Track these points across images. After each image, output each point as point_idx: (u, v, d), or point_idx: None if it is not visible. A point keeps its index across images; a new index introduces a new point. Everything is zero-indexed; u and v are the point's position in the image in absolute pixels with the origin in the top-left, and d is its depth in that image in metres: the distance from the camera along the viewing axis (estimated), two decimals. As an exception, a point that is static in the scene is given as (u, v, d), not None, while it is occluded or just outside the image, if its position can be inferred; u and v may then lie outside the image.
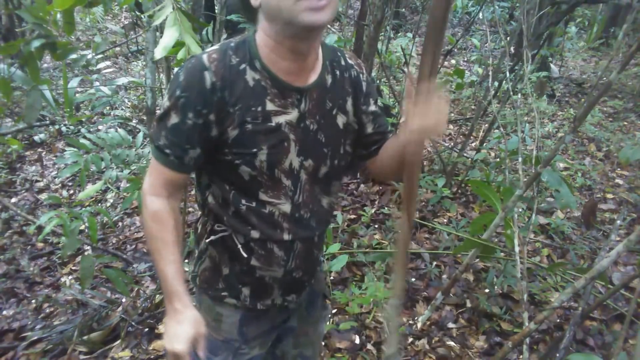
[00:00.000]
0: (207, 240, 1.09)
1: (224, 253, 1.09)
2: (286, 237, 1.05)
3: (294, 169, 1.00)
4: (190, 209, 3.14)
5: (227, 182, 1.01)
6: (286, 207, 1.03)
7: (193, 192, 3.40)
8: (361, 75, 1.10)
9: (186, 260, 2.54)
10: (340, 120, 1.06)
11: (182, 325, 0.95)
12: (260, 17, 0.93)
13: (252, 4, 0.92)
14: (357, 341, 2.18)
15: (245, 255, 1.05)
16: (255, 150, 0.95)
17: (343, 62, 1.08)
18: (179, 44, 1.48)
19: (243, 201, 1.01)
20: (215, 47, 0.96)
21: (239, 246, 1.05)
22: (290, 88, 0.96)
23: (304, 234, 1.08)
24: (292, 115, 0.97)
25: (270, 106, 0.95)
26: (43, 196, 3.42)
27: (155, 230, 0.99)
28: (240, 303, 1.12)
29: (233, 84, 0.92)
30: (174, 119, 0.93)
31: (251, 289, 1.11)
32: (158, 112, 0.98)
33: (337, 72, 1.05)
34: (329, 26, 3.15)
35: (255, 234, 1.04)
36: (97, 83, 2.70)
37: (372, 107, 1.13)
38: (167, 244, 0.98)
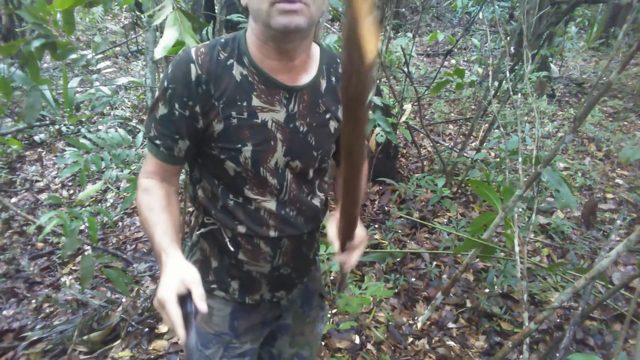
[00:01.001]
0: (198, 233, 1.11)
1: (214, 246, 1.10)
2: (272, 234, 1.06)
3: (279, 167, 1.01)
4: (190, 209, 3.13)
5: (215, 177, 1.02)
6: (271, 205, 1.04)
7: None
8: None
9: (186, 260, 2.54)
10: (333, 125, 1.06)
11: (166, 274, 0.86)
12: (250, 16, 0.95)
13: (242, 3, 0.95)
14: (357, 341, 2.18)
15: (232, 249, 1.06)
16: (239, 145, 0.96)
17: (340, 70, 1.07)
18: (179, 44, 1.48)
19: (230, 196, 1.03)
20: (205, 43, 0.98)
21: (227, 240, 1.06)
22: (278, 85, 0.96)
23: (291, 231, 1.08)
24: (280, 114, 0.98)
25: (256, 102, 0.95)
26: (43, 196, 3.42)
27: (144, 202, 0.98)
28: (230, 296, 1.14)
29: (219, 77, 0.94)
30: (162, 110, 0.95)
31: (240, 283, 1.13)
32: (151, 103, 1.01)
33: (333, 79, 1.06)
34: (328, 26, 3.15)
35: (242, 229, 1.05)
36: (97, 83, 2.70)
37: None
38: (154, 211, 0.96)
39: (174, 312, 0.78)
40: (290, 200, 1.05)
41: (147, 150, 1.01)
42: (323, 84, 1.03)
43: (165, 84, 0.94)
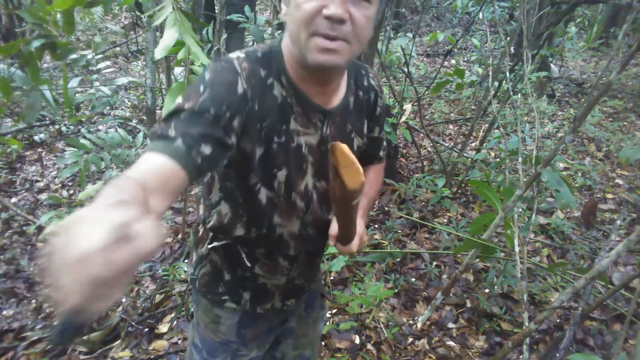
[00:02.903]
0: (210, 246, 1.06)
1: (226, 260, 1.07)
2: (292, 252, 1.05)
3: (308, 190, 0.99)
4: (190, 209, 3.13)
5: (242, 207, 0.98)
6: (295, 227, 1.02)
7: (193, 192, 3.38)
8: (379, 100, 1.09)
9: (185, 261, 2.54)
10: (356, 142, 1.05)
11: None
12: (286, 31, 0.88)
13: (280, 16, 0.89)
14: (357, 341, 2.17)
15: (249, 264, 1.04)
16: (275, 170, 0.92)
17: (365, 83, 1.05)
18: (179, 44, 1.48)
19: (253, 229, 1.00)
20: (241, 54, 0.88)
21: (243, 255, 1.04)
22: (315, 108, 0.92)
23: (309, 248, 1.08)
24: (314, 137, 0.94)
25: (293, 125, 0.91)
26: (43, 196, 3.42)
27: (104, 192, 0.52)
28: (240, 307, 1.12)
29: (263, 97, 0.87)
30: (188, 112, 0.77)
31: (252, 294, 1.11)
32: (167, 111, 0.83)
33: (360, 93, 1.03)
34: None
35: (260, 251, 1.04)
36: (97, 83, 2.70)
37: (374, 134, 1.14)
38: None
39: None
40: (313, 221, 1.04)
41: (148, 150, 0.72)
42: (351, 101, 1.01)
43: (201, 88, 0.80)
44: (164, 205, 0.67)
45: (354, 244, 1.03)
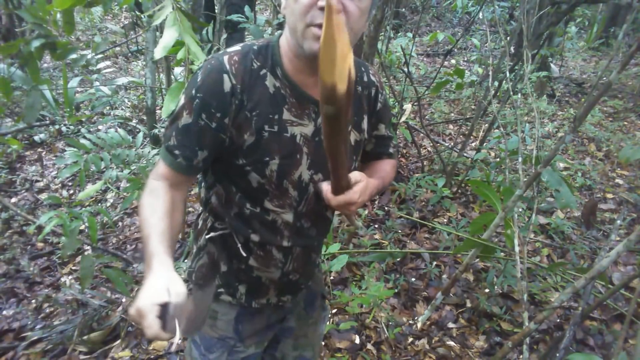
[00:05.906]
0: (207, 237, 1.09)
1: (223, 251, 1.09)
2: (285, 243, 1.06)
3: (303, 181, 1.00)
4: (190, 209, 3.13)
5: (235, 185, 1.01)
6: (289, 217, 1.03)
7: (193, 192, 3.38)
8: (379, 96, 1.10)
9: (185, 260, 2.54)
10: (353, 137, 1.06)
11: (151, 280, 0.80)
12: (285, 26, 0.93)
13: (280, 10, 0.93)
14: (357, 341, 2.18)
15: (244, 254, 1.06)
16: (267, 159, 0.95)
17: (365, 79, 1.07)
18: (179, 44, 1.48)
19: (248, 205, 1.02)
20: (237, 48, 0.95)
21: (239, 245, 1.05)
22: (309, 99, 0.96)
23: (304, 242, 1.09)
24: (308, 128, 0.97)
25: (287, 115, 0.94)
26: (43, 196, 3.42)
27: (148, 203, 0.93)
28: (236, 300, 1.13)
29: (252, 88, 0.92)
30: (185, 119, 0.92)
31: (247, 287, 1.12)
32: (168, 111, 0.98)
33: (359, 88, 1.05)
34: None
35: (255, 237, 1.04)
36: (97, 83, 2.70)
37: (380, 132, 1.15)
38: (156, 214, 0.91)
39: (153, 325, 0.73)
40: (307, 213, 1.05)
41: (162, 158, 0.97)
42: None
43: (193, 92, 0.91)
44: (185, 191, 1.03)
45: (353, 193, 0.95)
